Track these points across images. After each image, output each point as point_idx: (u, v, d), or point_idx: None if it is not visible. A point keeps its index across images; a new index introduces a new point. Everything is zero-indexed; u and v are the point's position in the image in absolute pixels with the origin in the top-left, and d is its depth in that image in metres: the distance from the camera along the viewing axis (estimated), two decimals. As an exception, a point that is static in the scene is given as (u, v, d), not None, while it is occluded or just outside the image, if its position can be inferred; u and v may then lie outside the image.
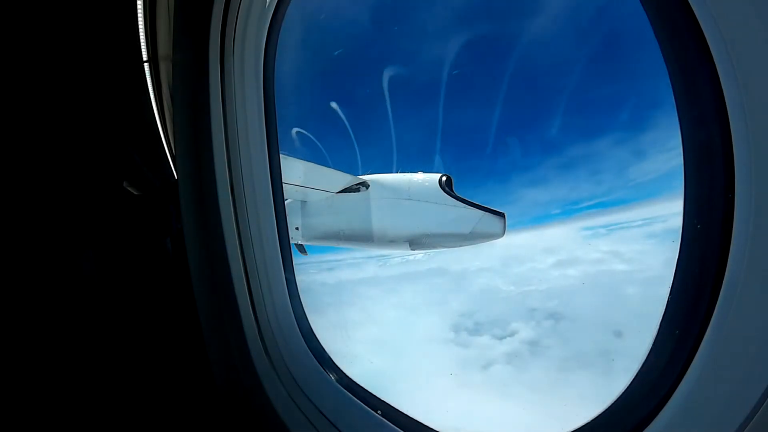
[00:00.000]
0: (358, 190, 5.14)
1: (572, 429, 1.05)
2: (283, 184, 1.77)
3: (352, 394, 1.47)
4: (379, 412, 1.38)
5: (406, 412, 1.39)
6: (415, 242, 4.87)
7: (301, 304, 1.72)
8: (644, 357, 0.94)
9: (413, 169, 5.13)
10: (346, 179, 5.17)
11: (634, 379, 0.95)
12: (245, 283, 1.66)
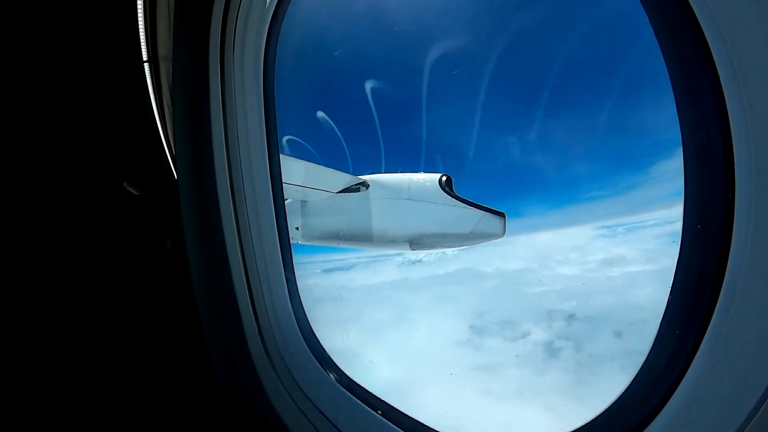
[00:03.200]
0: (358, 190, 5.14)
1: (572, 429, 1.05)
2: (283, 184, 1.77)
3: (352, 394, 1.47)
4: (379, 412, 1.38)
5: (406, 412, 1.39)
6: (415, 242, 4.87)
7: (302, 304, 1.72)
8: (644, 357, 0.94)
9: (416, 170, 5.13)
10: (346, 179, 5.17)
11: (634, 379, 0.95)
12: (245, 283, 1.66)
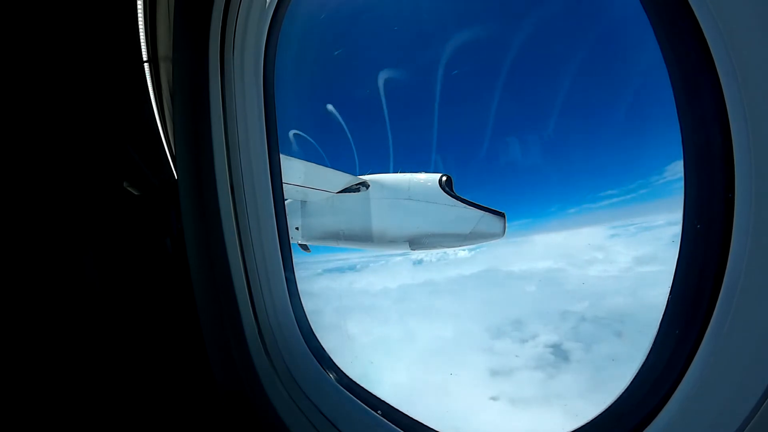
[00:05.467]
0: (358, 190, 5.14)
1: (572, 429, 1.05)
2: (283, 184, 1.77)
3: (352, 394, 1.47)
4: (379, 412, 1.38)
5: (406, 412, 1.39)
6: (415, 242, 4.87)
7: (301, 304, 1.72)
8: (644, 357, 0.94)
9: (421, 170, 5.12)
10: (346, 179, 5.17)
11: (634, 379, 0.95)
12: (245, 283, 1.66)
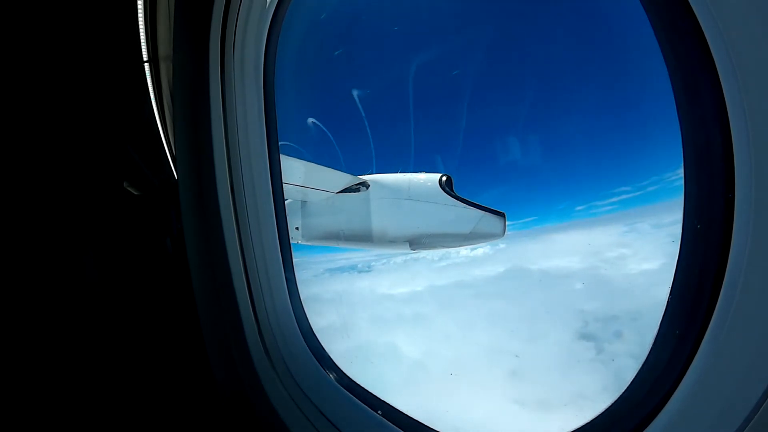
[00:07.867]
0: (358, 190, 5.14)
1: (572, 429, 1.05)
2: (283, 184, 1.77)
3: (352, 394, 1.47)
4: (379, 412, 1.38)
5: (406, 412, 1.39)
6: (415, 242, 4.87)
7: (301, 304, 1.72)
8: (644, 357, 0.94)
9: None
10: (346, 179, 5.17)
11: (634, 379, 0.95)
12: (245, 283, 1.66)
